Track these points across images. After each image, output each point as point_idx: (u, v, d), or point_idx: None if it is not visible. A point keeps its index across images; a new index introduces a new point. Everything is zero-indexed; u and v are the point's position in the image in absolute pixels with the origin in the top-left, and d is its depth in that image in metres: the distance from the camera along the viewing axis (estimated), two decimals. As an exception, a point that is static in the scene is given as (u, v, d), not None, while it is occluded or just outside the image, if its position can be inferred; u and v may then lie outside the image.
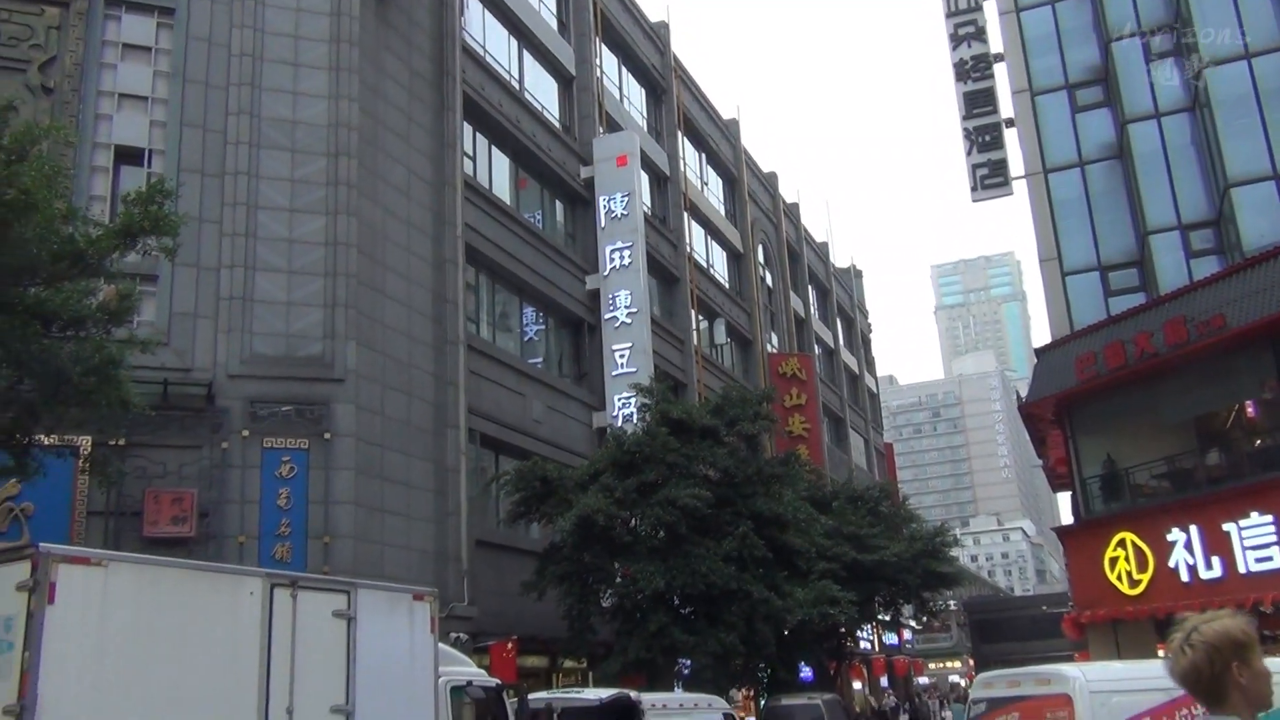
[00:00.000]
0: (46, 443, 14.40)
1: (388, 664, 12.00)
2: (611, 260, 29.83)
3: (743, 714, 24.07)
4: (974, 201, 28.06)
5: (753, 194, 45.84)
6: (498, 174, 27.66)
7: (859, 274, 65.07)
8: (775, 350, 44.99)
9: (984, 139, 27.83)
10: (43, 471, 13.57)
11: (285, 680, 10.88)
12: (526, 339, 28.84)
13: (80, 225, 12.77)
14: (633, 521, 21.82)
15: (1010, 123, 27.47)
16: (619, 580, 21.72)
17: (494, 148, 27.56)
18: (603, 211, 30.40)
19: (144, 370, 15.56)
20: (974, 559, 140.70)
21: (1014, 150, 27.19)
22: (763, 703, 26.96)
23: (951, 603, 50.33)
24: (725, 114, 44.91)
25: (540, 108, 29.66)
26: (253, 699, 10.60)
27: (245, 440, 18.50)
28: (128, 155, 19.44)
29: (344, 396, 19.44)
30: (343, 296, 19.80)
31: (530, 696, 15.94)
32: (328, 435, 19.04)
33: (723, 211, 43.25)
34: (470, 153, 26.00)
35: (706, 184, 42.06)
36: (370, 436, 19.84)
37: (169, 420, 17.78)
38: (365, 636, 11.82)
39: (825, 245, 57.82)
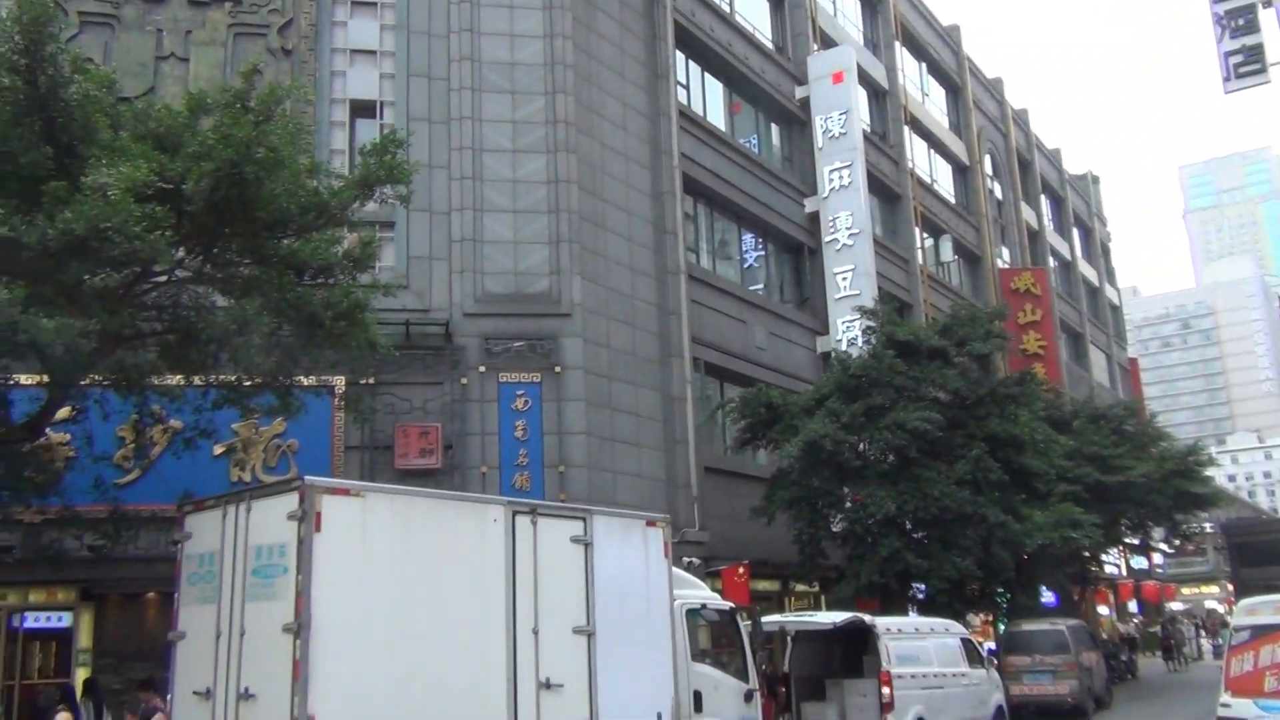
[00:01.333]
0: (306, 383, 15.55)
1: (624, 587, 12.41)
2: (830, 181, 29.23)
3: (981, 639, 23.60)
4: (1227, 93, 25.71)
5: (978, 102, 43.69)
6: (711, 101, 27.47)
7: (1096, 180, 61.16)
8: (1006, 265, 43.07)
9: (1237, 22, 25.40)
10: (304, 410, 14.69)
11: (530, 602, 11.45)
12: (747, 266, 28.75)
13: (323, 178, 13.57)
14: (861, 446, 21.60)
15: (1268, 2, 24.94)
16: (848, 505, 21.59)
17: (707, 74, 27.36)
18: (820, 131, 29.75)
19: (387, 313, 16.50)
20: (1232, 479, 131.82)
21: (1272, 33, 24.70)
22: (1002, 628, 26.38)
23: (1207, 525, 47.34)
24: (945, 20, 42.83)
25: (752, 29, 29.18)
26: (501, 619, 11.20)
27: (482, 375, 19.38)
28: (362, 109, 20.45)
29: (571, 330, 20.03)
30: (566, 233, 20.30)
31: (764, 619, 16.16)
32: (558, 368, 19.69)
33: (946, 123, 41.47)
34: (683, 81, 25.92)
35: (927, 95, 40.38)
36: (598, 368, 20.39)
37: (412, 359, 18.83)
38: (602, 561, 12.26)
39: (1058, 151, 54.55)
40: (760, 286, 28.70)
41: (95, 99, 11.43)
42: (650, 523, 13.28)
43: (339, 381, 17.98)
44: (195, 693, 10.76)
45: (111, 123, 12.11)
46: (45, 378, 13.37)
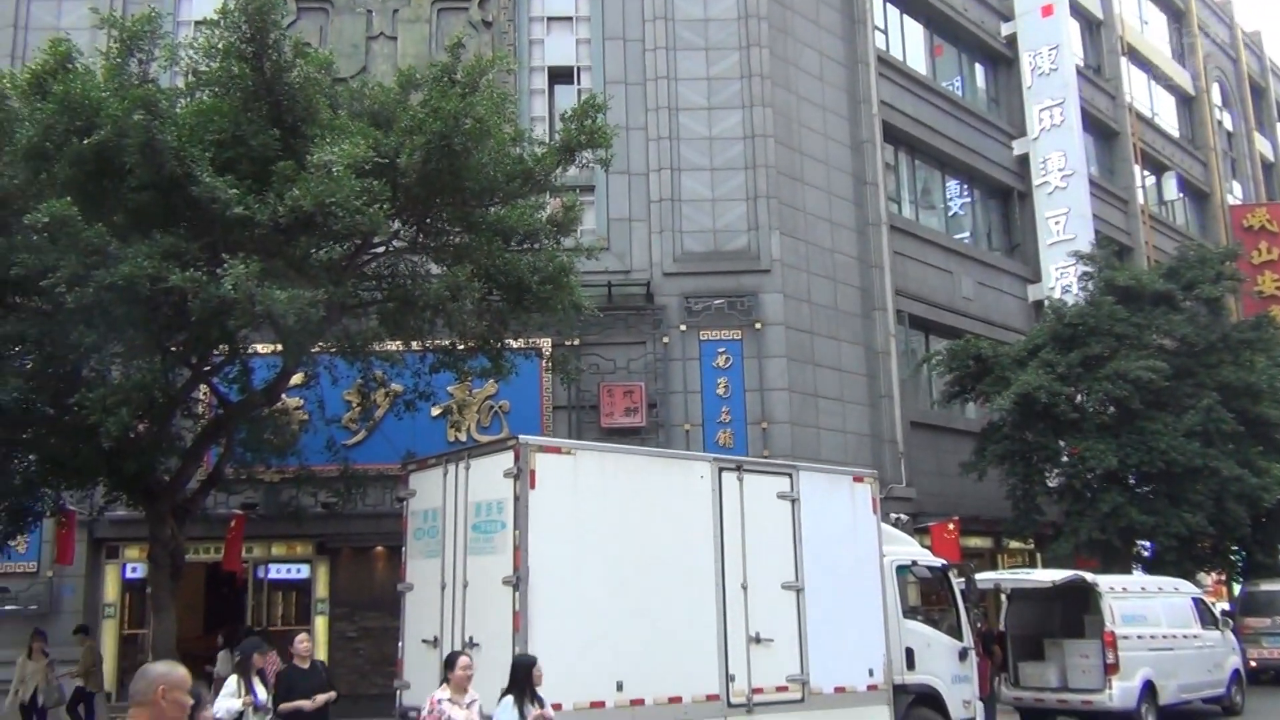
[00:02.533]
0: (515, 346, 16.08)
1: (832, 543, 12.33)
2: (1040, 121, 27.81)
3: (1214, 599, 22.29)
4: None
5: (1204, 27, 40.49)
6: (911, 45, 26.55)
7: (1343, 104, 55.86)
8: (1238, 201, 39.99)
9: None
10: (514, 372, 15.21)
11: (738, 557, 11.53)
12: (951, 214, 27.79)
13: (527, 146, 13.91)
14: (1078, 397, 20.66)
15: None
16: (1065, 459, 20.74)
17: (906, 17, 26.45)
18: (1028, 69, 28.31)
19: (590, 275, 16.82)
20: None
21: None
22: (1237, 588, 24.86)
23: None
24: (1165, -61, 39.83)
25: (952, -34, 27.99)
26: (710, 573, 11.34)
27: (683, 334, 19.54)
28: (560, 75, 20.82)
29: (771, 286, 19.91)
30: (764, 188, 20.14)
31: (977, 576, 15.75)
32: (758, 325, 19.64)
33: (1168, 52, 38.65)
34: (881, 26, 25.16)
35: (1146, 23, 37.72)
36: (799, 324, 20.21)
37: (615, 319, 19.17)
38: (809, 516, 12.21)
39: (1298, 75, 50.10)
40: (966, 235, 27.71)
41: (315, 81, 12.06)
42: (857, 478, 13.13)
43: (546, 343, 18.51)
44: (424, 641, 11.38)
45: (330, 103, 12.78)
46: (279, 346, 14.33)
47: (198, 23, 18.07)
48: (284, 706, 9.97)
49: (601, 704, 10.29)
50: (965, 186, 27.91)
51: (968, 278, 25.64)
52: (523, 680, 8.65)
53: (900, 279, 23.02)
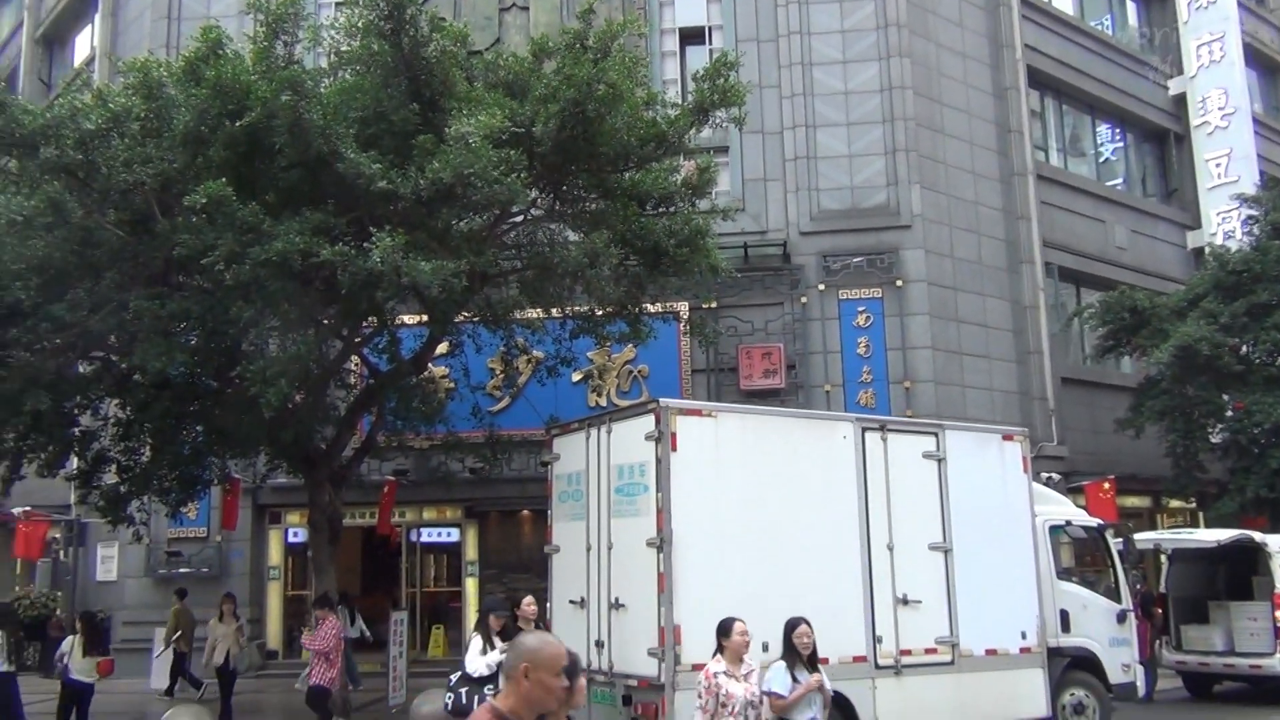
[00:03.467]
0: (653, 310, 16.13)
1: (981, 503, 12.04)
2: (1198, 57, 26.28)
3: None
4: None
5: (1382, -53, 37.59)
6: (1056, -17, 25.42)
7: None
8: None
9: None
10: (653, 336, 15.27)
11: (883, 518, 11.37)
12: (1102, 160, 26.57)
13: (660, 109, 13.86)
14: (1243, 349, 19.61)
15: None
16: (1230, 414, 19.74)
17: (1049, -45, 25.33)
18: (1184, 2, 26.76)
19: (726, 237, 16.73)
20: None
21: None
22: None
23: None
24: None
25: (1099, -101, 26.63)
26: (854, 535, 11.22)
27: (822, 293, 19.27)
28: (691, 35, 20.65)
29: (912, 242, 19.44)
30: (902, 141, 19.64)
31: (1136, 537, 15.17)
32: (899, 282, 19.22)
33: (1341, -24, 36.06)
34: (1023, -34, 24.12)
35: (1317, -54, 35.24)
36: (941, 280, 19.70)
37: (752, 281, 19.03)
38: (956, 476, 11.95)
39: None
40: (1119, 181, 26.48)
41: (451, 54, 12.25)
42: (1006, 436, 12.77)
43: (684, 307, 18.51)
44: (571, 601, 11.60)
45: (466, 75, 12.97)
46: (425, 317, 14.71)
47: (338, 3, 18.59)
48: None
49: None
50: (1117, 130, 26.64)
51: (1121, 226, 24.53)
52: (788, 644, 8.12)
53: (1048, 230, 22.17)
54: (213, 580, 19.88)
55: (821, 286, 19.30)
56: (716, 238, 14.35)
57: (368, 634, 18.60)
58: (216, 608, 16.54)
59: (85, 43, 26.24)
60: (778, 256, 19.35)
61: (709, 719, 7.32)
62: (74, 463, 15.21)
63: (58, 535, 22.47)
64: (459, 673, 9.54)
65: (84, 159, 10.99)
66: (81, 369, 14.19)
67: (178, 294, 12.16)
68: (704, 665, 10.02)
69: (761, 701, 7.63)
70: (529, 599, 10.45)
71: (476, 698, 9.09)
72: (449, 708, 9.47)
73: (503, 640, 9.53)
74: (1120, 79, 25.48)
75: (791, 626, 8.18)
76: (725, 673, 7.41)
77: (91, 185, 11.35)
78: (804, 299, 19.25)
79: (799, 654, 8.04)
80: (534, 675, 3.50)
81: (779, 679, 7.91)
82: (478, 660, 9.49)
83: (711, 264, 13.67)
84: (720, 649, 7.65)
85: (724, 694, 7.29)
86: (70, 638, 13.28)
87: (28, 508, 21.39)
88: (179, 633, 17.92)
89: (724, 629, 7.73)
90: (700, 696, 7.44)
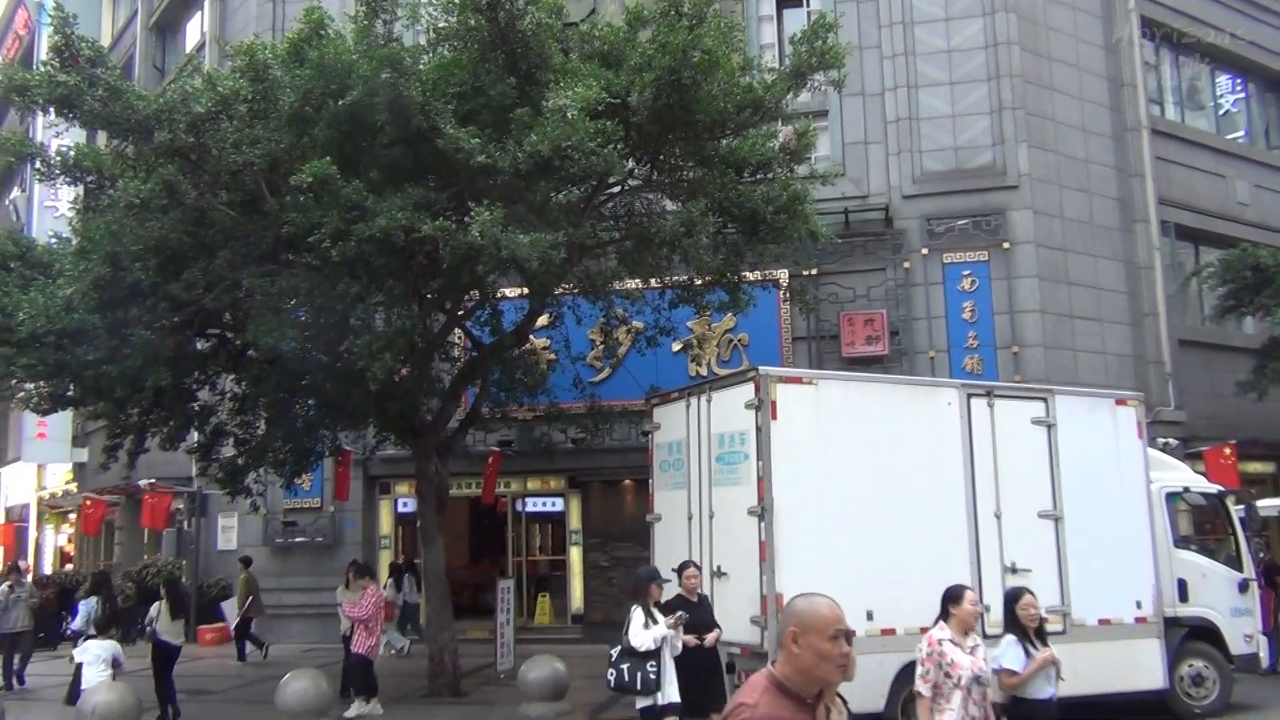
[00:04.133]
0: (752, 278, 16.02)
1: (1093, 470, 11.74)
2: (1327, 1, 24.93)
3: None
4: None
5: None
6: (1171, -71, 24.28)
7: None
8: None
9: None
10: (752, 304, 15.17)
11: (990, 485, 11.17)
12: (1223, 113, 25.39)
13: (756, 74, 13.70)
14: (1375, 307, 18.67)
15: None
16: (1360, 375, 18.84)
17: (1164, -101, 24.20)
18: (1311, -56, 25.39)
19: (826, 202, 16.50)
20: None
21: None
22: None
23: None
24: None
25: None
26: (960, 503, 11.04)
27: (925, 258, 18.89)
28: (788, -1, 20.33)
29: (1019, 203, 18.90)
30: (1008, 99, 19.05)
31: (1259, 503, 14.60)
32: (1006, 244, 18.72)
33: None
34: (1136, -88, 23.11)
35: None
36: (1050, 241, 19.13)
37: (853, 246, 18.75)
38: (1066, 442, 11.66)
39: None
40: (1240, 134, 25.29)
41: (547, 27, 12.27)
42: (1120, 401, 12.40)
43: (783, 274, 18.35)
44: (673, 570, 11.66)
45: (562, 47, 12.99)
46: (526, 289, 14.87)
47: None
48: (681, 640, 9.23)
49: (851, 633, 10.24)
50: (1238, 81, 25.41)
51: (1243, 181, 23.46)
52: (1012, 615, 7.65)
53: (1164, 187, 21.32)
54: (327, 549, 20.52)
55: (925, 250, 18.91)
56: (816, 203, 14.16)
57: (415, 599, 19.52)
58: (342, 576, 16.46)
59: (195, 29, 27.03)
60: (880, 221, 19.02)
61: (930, 689, 6.74)
62: (194, 436, 15.82)
63: (181, 507, 23.42)
64: (619, 648, 9.00)
65: (195, 142, 11.32)
66: (199, 346, 14.70)
67: (287, 271, 12.49)
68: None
69: (989, 679, 7.01)
70: (691, 570, 9.87)
71: (640, 674, 8.78)
72: (612, 684, 9.03)
73: (663, 612, 9.09)
74: (1242, 26, 24.28)
75: (1014, 597, 7.72)
76: (951, 641, 6.85)
77: (203, 167, 11.70)
78: (907, 263, 18.90)
79: (1025, 626, 7.56)
80: (804, 640, 3.20)
81: (1012, 654, 7.45)
82: (641, 635, 8.88)
83: (811, 230, 13.50)
84: (946, 616, 7.05)
85: (949, 663, 6.72)
86: (158, 603, 13.85)
87: (153, 480, 22.35)
88: (250, 599, 18.66)
89: (953, 596, 7.11)
90: (921, 664, 6.84)
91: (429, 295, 13.95)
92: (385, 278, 11.95)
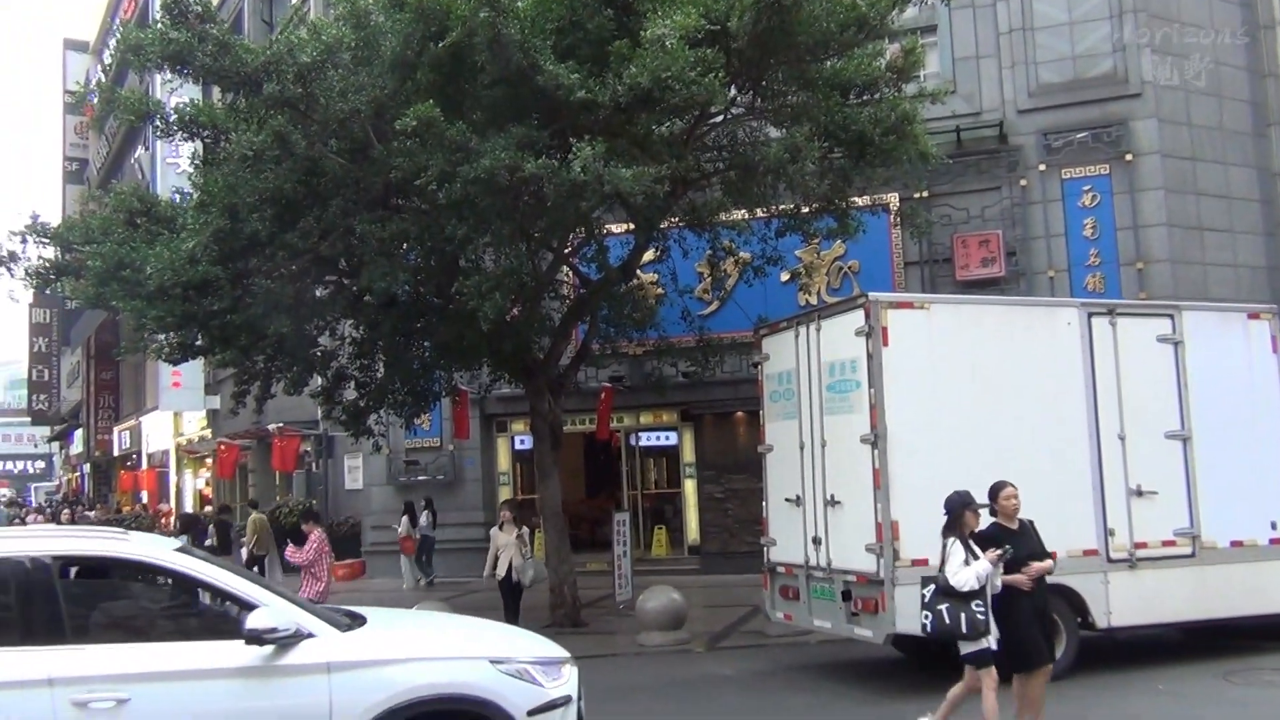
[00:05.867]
0: (861, 204, 15.71)
1: (1224, 388, 11.30)
2: None
3: None
4: None
5: None
6: None
7: None
8: None
9: None
10: (862, 230, 14.89)
11: (1113, 407, 10.86)
12: (1365, 4, 23.75)
13: (862, -9, 13.27)
14: None
15: None
16: None
17: None
18: None
19: (936, 121, 16.02)
20: None
21: None
22: None
23: None
24: None
25: None
26: (1081, 425, 10.78)
27: (1043, 174, 18.23)
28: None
29: (1142, 112, 18.05)
30: (1130, 2, 18.12)
31: None
32: (1129, 156, 17.93)
33: None
34: None
35: None
36: (1176, 150, 18.25)
37: (965, 166, 18.20)
38: (1195, 360, 11.24)
39: None
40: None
41: (642, -46, 12.06)
42: (1253, 315, 11.88)
43: (893, 198, 17.96)
44: (786, 499, 11.67)
45: (658, -26, 12.77)
46: (631, 225, 14.85)
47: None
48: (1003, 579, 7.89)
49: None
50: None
51: (1388, 77, 21.97)
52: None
53: (1301, 88, 20.11)
54: (448, 486, 21.09)
55: (1042, 167, 18.24)
56: (925, 123, 13.74)
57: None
58: (497, 515, 16.24)
59: (300, -20, 27.40)
60: (993, 138, 18.40)
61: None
62: (317, 381, 16.33)
63: (309, 449, 24.34)
64: (933, 587, 7.83)
65: (303, 92, 11.52)
66: (317, 293, 15.10)
67: (397, 216, 12.71)
68: (925, 560, 9.94)
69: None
70: (1009, 490, 8.13)
71: (965, 615, 7.60)
72: (929, 629, 7.83)
73: (981, 544, 7.78)
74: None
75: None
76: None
77: (312, 117, 11.92)
78: (1023, 181, 18.27)
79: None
80: None
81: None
82: (963, 573, 7.61)
83: (921, 151, 13.11)
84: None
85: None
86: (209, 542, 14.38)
87: (281, 424, 23.23)
88: (255, 537, 19.38)
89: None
90: None
91: (535, 234, 14.04)
92: (492, 218, 12.06)
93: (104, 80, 18.86)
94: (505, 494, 21.50)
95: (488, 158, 10.93)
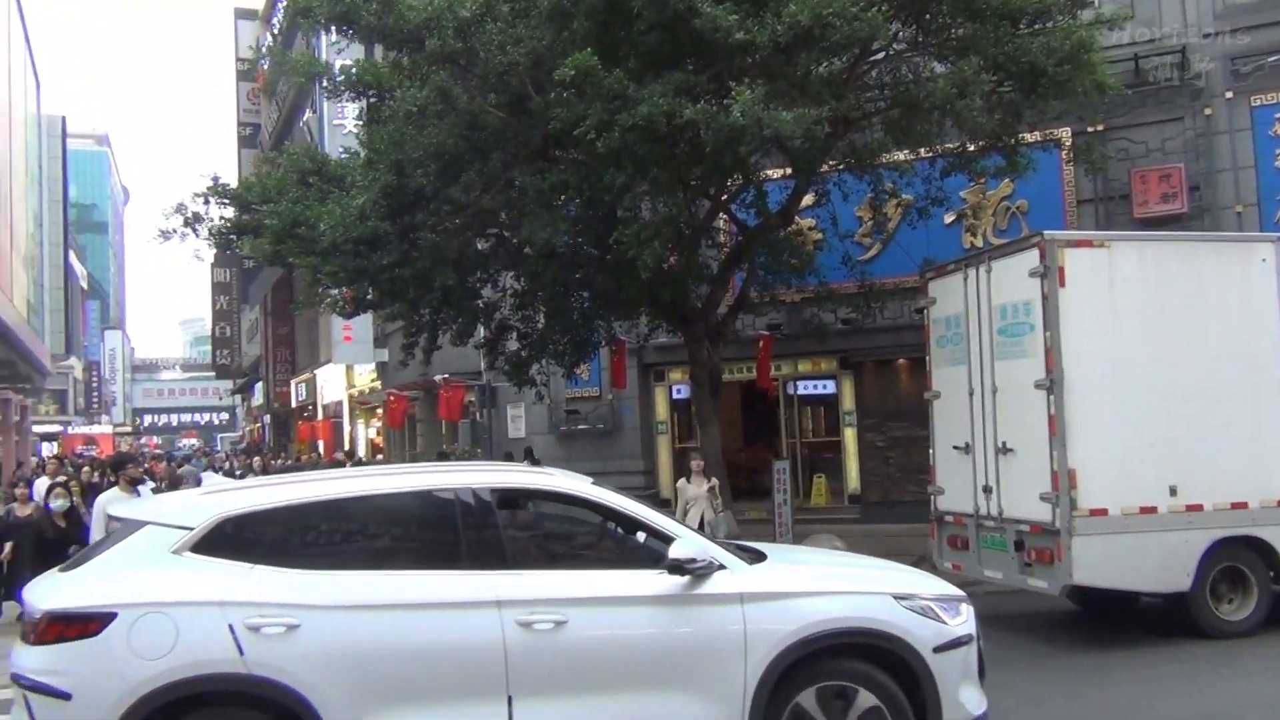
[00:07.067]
0: (1031, 140, 15.03)
1: None
2: None
3: None
4: None
5: None
6: None
7: None
8: None
9: None
10: (1032, 167, 14.26)
11: (1315, 347, 10.20)
12: None
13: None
14: None
15: None
16: None
17: None
18: None
19: (1112, 49, 15.13)
20: None
21: None
22: None
23: None
24: None
25: None
26: (1275, 369, 10.18)
27: (1230, 102, 17.05)
28: None
29: (1345, 30, 16.65)
30: (1329, -89, 16.69)
31: None
32: (1337, 79, 16.60)
33: None
34: None
35: None
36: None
37: (1144, 96, 17.18)
38: None
39: None
40: None
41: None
42: None
43: (1065, 133, 17.12)
44: (955, 447, 11.40)
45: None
46: (789, 169, 14.60)
47: None
48: None
49: (1153, 509, 9.74)
50: None
51: None
52: None
53: None
54: (608, 435, 21.38)
55: (1229, 94, 17.06)
56: (1102, 51, 13.00)
57: None
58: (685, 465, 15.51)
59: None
60: (1174, 65, 17.28)
61: None
62: (480, 332, 16.72)
63: (473, 399, 25.01)
64: None
65: (463, 46, 11.68)
66: (479, 246, 15.41)
67: (556, 168, 12.80)
68: (1104, 510, 9.60)
69: None
70: None
71: None
72: None
73: None
74: None
75: None
76: None
77: (472, 71, 12.09)
78: (1208, 110, 17.14)
79: None
80: None
81: None
82: None
83: (1098, 81, 12.41)
84: None
85: None
86: None
87: (447, 375, 23.92)
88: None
89: None
90: None
91: (693, 181, 13.95)
92: (649, 166, 12.02)
93: (274, 45, 19.60)
94: (665, 443, 21.67)
95: (645, 105, 10.88)
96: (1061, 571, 9.65)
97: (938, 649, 5.86)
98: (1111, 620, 10.94)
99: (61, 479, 15.82)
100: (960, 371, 11.30)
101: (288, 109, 42.89)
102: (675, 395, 21.70)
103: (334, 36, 13.38)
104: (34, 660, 5.24)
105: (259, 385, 58.45)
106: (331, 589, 5.42)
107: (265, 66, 30.16)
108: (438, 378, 24.09)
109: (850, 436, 20.16)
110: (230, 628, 5.23)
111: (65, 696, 5.10)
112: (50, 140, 54.85)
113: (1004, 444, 10.56)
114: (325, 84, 13.56)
